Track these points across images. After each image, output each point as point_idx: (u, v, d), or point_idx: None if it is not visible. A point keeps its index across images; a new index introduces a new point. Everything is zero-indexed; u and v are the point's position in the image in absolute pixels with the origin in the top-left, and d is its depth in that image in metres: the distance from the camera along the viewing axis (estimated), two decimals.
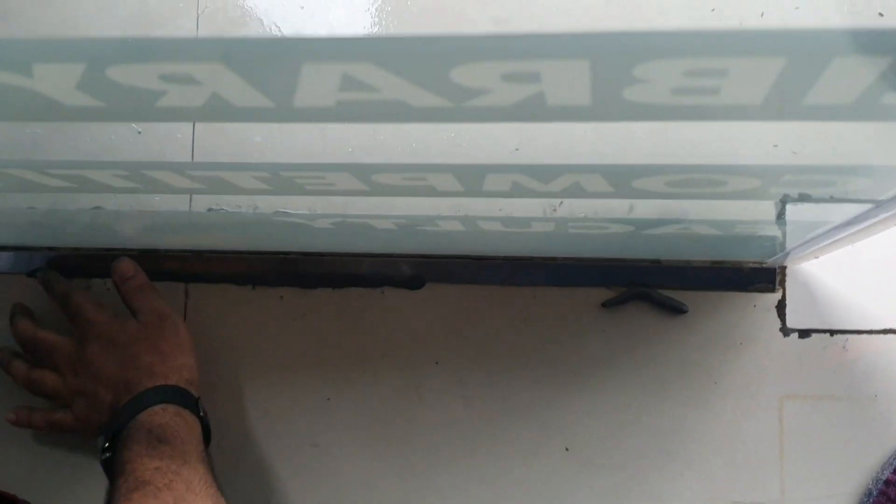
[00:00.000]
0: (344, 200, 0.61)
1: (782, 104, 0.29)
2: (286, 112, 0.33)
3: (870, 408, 0.63)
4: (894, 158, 0.37)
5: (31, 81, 0.31)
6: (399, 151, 0.64)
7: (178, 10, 0.67)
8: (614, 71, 0.28)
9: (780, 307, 0.64)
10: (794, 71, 0.26)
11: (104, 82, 0.31)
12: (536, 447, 0.66)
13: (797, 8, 0.61)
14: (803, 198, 0.45)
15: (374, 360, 0.67)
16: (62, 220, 0.62)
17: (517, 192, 0.45)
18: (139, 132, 0.67)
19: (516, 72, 0.29)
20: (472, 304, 0.67)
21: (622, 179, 0.43)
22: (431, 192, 0.46)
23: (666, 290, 0.65)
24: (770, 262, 0.63)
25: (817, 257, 0.63)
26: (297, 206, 0.61)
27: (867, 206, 0.43)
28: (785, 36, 0.25)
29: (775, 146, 0.59)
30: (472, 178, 0.45)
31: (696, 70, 0.27)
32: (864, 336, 0.63)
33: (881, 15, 0.60)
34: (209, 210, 0.63)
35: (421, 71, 0.29)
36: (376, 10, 0.65)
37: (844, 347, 0.63)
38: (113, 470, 0.56)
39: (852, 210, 0.45)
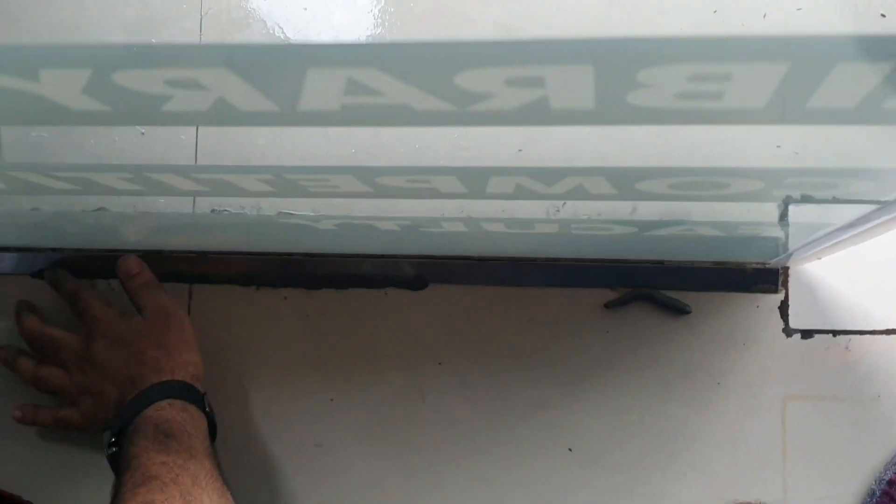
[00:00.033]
0: (347, 202, 0.61)
1: (785, 108, 0.29)
2: (291, 116, 0.33)
3: (872, 408, 0.63)
4: None
5: (38, 86, 0.31)
6: (402, 154, 0.65)
7: (181, 12, 0.68)
8: (618, 76, 0.28)
9: (783, 308, 0.64)
10: (797, 75, 0.26)
11: (110, 87, 0.31)
12: (539, 447, 0.66)
13: (799, 9, 0.61)
14: (806, 199, 0.45)
15: (377, 360, 0.67)
16: (66, 222, 0.63)
17: (521, 194, 0.45)
18: (142, 134, 0.67)
19: (520, 77, 0.29)
20: (475, 305, 0.67)
21: (625, 182, 0.43)
22: (435, 194, 0.46)
23: (669, 291, 0.65)
24: (773, 262, 0.63)
25: (820, 258, 0.63)
26: (300, 207, 0.61)
27: (870, 208, 0.43)
28: (788, 41, 0.25)
29: (778, 147, 0.59)
30: (475, 181, 0.45)
31: (700, 75, 0.27)
32: (867, 337, 0.63)
33: (883, 16, 0.60)
34: (213, 212, 0.64)
35: (426, 76, 0.29)
36: (379, 12, 0.65)
37: (847, 348, 0.63)
38: (119, 465, 0.56)
39: (855, 211, 0.45)
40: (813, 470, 0.63)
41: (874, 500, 0.62)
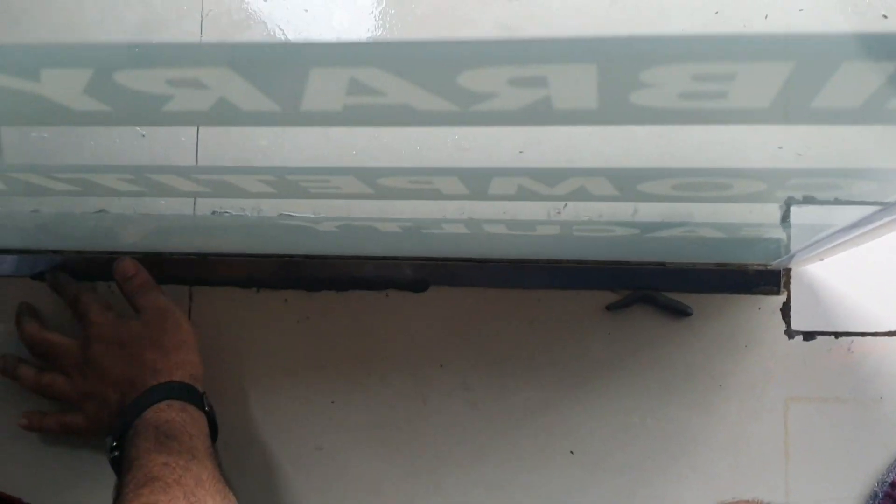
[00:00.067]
0: (348, 203, 0.61)
1: (790, 108, 0.29)
2: (293, 116, 0.33)
3: (875, 410, 0.63)
4: None
5: (39, 86, 0.31)
6: (403, 155, 0.64)
7: (182, 14, 0.67)
8: (622, 75, 0.28)
9: (785, 309, 0.64)
10: (802, 74, 0.26)
11: (111, 87, 0.31)
12: (541, 450, 0.65)
13: (801, 10, 0.61)
14: (808, 200, 0.45)
15: (378, 362, 0.67)
16: (67, 224, 0.63)
17: (523, 195, 0.45)
18: (143, 135, 0.67)
19: (523, 76, 0.29)
20: (477, 307, 0.67)
21: (628, 183, 0.43)
22: (437, 195, 0.46)
23: (670, 293, 0.65)
24: (775, 264, 0.63)
25: (822, 259, 0.63)
26: (301, 209, 0.61)
27: (873, 209, 0.43)
28: (794, 39, 0.25)
29: (780, 148, 0.59)
30: (477, 181, 0.45)
31: (705, 74, 0.27)
32: (870, 338, 0.63)
33: (885, 17, 0.60)
34: (213, 213, 0.64)
35: (428, 75, 0.29)
36: (380, 13, 0.65)
37: (849, 349, 0.63)
38: (122, 467, 0.56)
39: (858, 212, 0.45)
40: (815, 472, 0.63)
41: (877, 502, 0.61)
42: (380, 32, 0.65)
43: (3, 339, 0.69)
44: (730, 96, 0.28)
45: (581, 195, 0.44)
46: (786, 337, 0.64)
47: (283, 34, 0.67)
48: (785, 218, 0.52)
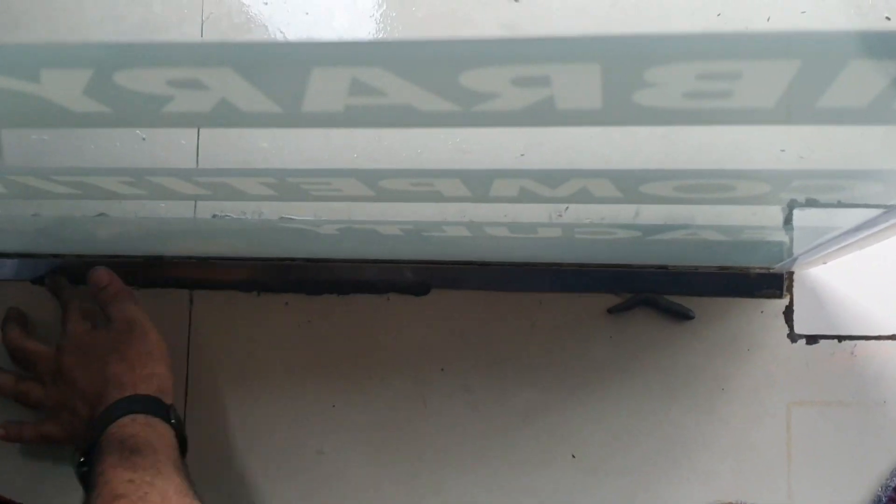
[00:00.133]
0: (349, 206, 0.61)
1: (795, 107, 0.29)
2: (294, 117, 0.33)
3: (878, 414, 0.63)
4: None
5: (39, 87, 0.31)
6: (405, 157, 0.64)
7: (182, 16, 0.67)
8: (626, 75, 0.27)
9: (788, 313, 0.64)
10: (809, 73, 0.26)
11: (111, 87, 0.30)
12: (542, 453, 0.65)
13: (803, 12, 0.61)
14: (811, 203, 0.45)
15: (379, 366, 0.67)
16: (67, 228, 0.62)
17: (525, 197, 0.45)
18: (143, 139, 0.67)
19: (526, 76, 0.28)
20: (478, 311, 0.66)
21: (630, 184, 0.43)
22: (438, 197, 0.46)
23: (672, 297, 0.65)
24: (777, 267, 0.63)
25: (825, 263, 0.63)
26: (302, 212, 0.61)
27: (877, 212, 0.43)
28: (801, 38, 0.25)
29: (782, 151, 0.59)
30: (479, 183, 0.45)
31: (710, 73, 0.27)
32: (873, 342, 0.63)
33: (888, 19, 0.60)
34: (214, 217, 0.63)
35: (430, 75, 0.29)
36: (381, 15, 0.65)
37: (853, 353, 0.63)
38: (89, 482, 0.55)
39: (861, 215, 0.44)
40: (818, 476, 0.63)
41: None
42: (381, 34, 0.65)
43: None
44: (735, 96, 0.28)
45: (583, 197, 0.44)
46: (788, 340, 0.64)
47: (284, 37, 0.67)
48: (788, 221, 0.52)
